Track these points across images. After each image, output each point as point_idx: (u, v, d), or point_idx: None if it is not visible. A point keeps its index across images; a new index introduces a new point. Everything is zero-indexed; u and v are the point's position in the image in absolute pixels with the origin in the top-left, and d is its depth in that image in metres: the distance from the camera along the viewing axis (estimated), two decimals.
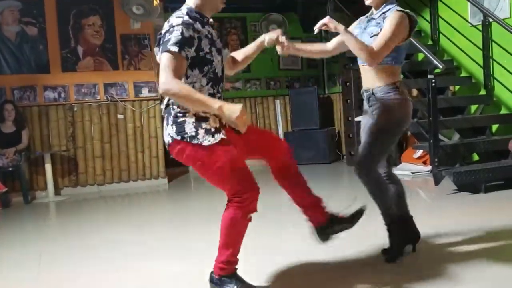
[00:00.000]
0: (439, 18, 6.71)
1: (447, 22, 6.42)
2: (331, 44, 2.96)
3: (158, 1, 6.42)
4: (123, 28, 7.17)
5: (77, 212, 5.68)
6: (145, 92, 7.30)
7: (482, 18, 5.84)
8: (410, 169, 6.19)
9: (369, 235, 3.23)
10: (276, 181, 2.62)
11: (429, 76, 4.68)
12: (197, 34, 2.34)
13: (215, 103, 2.22)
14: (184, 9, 2.41)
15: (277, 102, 9.18)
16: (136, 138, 7.26)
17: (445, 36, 6.57)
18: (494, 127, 5.90)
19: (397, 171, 5.83)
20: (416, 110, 5.70)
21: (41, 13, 6.85)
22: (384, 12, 2.71)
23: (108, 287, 2.93)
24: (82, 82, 7.02)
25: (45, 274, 3.21)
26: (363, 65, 2.82)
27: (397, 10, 2.66)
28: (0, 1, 6.67)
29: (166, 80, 2.22)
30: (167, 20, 2.38)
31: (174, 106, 2.39)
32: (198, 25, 2.36)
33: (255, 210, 2.36)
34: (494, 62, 5.83)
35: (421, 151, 6.17)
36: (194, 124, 2.34)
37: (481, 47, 5.88)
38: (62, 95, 6.94)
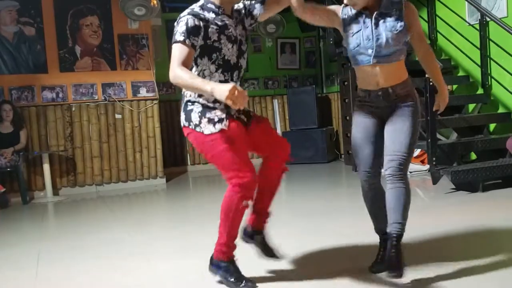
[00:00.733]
0: (437, 17, 6.71)
1: (444, 21, 6.43)
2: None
3: (156, 0, 6.41)
4: (121, 28, 7.17)
5: (75, 212, 5.67)
6: (143, 92, 7.30)
7: (479, 17, 5.85)
8: (408, 168, 6.18)
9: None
10: (258, 174, 2.60)
11: (427, 75, 4.68)
12: (204, 22, 2.45)
13: (208, 86, 2.29)
14: (201, 1, 2.55)
15: (275, 101, 9.19)
16: (134, 138, 7.26)
17: (442, 35, 6.58)
18: (492, 126, 5.92)
19: None
20: None
21: (39, 13, 6.84)
22: (395, 3, 2.56)
23: (107, 287, 2.93)
24: (80, 82, 7.01)
25: (43, 274, 3.21)
26: (376, 64, 2.54)
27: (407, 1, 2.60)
28: None
29: (171, 69, 2.39)
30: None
31: (186, 94, 2.57)
32: (210, 15, 2.49)
33: (250, 197, 2.48)
34: (491, 61, 5.84)
35: (419, 150, 6.18)
36: (199, 113, 2.50)
37: (478, 46, 5.88)
38: (60, 95, 6.94)
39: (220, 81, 2.50)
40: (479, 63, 5.93)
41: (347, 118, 7.47)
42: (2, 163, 6.28)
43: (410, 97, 2.63)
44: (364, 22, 2.56)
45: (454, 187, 4.90)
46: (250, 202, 2.53)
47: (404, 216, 2.52)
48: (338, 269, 2.79)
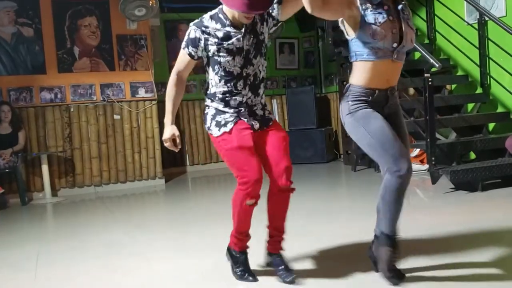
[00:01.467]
0: (435, 17, 6.72)
1: (443, 21, 6.44)
2: None
3: (154, 0, 6.40)
4: (119, 29, 7.16)
5: (74, 213, 5.66)
6: (141, 93, 7.29)
7: (478, 16, 5.86)
8: None
9: None
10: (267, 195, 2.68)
11: (426, 75, 4.68)
12: (206, 35, 2.57)
13: (166, 118, 2.74)
14: (217, 9, 2.63)
15: (274, 101, 9.19)
16: (133, 138, 7.25)
17: (441, 34, 6.58)
18: (491, 126, 5.92)
19: None
20: (413, 109, 5.72)
21: (37, 14, 6.83)
22: None
23: (107, 287, 2.93)
24: (79, 82, 7.00)
25: (42, 275, 3.20)
26: (395, 60, 2.45)
27: None
28: None
29: (172, 72, 2.70)
30: None
31: (206, 98, 2.75)
32: (215, 25, 2.58)
33: (256, 195, 2.57)
34: (490, 60, 5.85)
35: (418, 150, 6.19)
36: (211, 116, 2.69)
37: (477, 45, 5.89)
38: (59, 96, 6.93)
39: (224, 91, 2.64)
40: (478, 63, 5.94)
41: None
42: (1, 164, 6.27)
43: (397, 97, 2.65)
44: (388, 14, 2.39)
45: (453, 186, 4.90)
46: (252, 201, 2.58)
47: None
48: (337, 269, 2.79)
